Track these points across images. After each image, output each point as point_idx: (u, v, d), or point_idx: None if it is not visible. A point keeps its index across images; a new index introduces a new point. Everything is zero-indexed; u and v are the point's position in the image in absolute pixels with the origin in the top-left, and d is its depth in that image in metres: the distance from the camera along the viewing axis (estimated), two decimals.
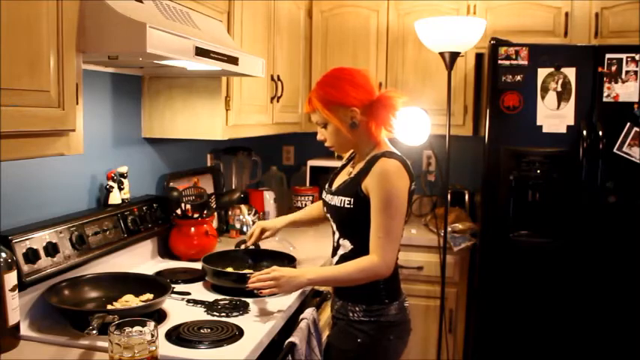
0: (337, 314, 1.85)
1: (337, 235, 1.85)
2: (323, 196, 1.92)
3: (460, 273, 3.02)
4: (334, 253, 1.88)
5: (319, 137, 1.83)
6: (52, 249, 1.65)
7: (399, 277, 1.84)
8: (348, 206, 1.75)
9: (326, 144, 1.83)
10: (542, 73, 2.72)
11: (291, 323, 1.81)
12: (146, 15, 1.49)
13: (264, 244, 2.29)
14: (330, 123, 1.77)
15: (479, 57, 3.15)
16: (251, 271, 2.01)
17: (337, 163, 2.08)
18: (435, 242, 2.92)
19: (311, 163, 3.36)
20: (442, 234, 2.91)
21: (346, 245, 1.81)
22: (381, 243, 1.68)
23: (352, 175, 1.80)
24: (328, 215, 1.88)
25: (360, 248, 1.75)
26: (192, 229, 2.34)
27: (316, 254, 2.36)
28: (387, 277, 1.73)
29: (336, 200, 1.80)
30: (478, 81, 3.19)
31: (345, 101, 1.75)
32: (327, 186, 1.93)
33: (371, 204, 1.70)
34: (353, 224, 1.78)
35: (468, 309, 3.03)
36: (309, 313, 1.85)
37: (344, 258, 1.81)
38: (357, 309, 1.78)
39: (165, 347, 1.45)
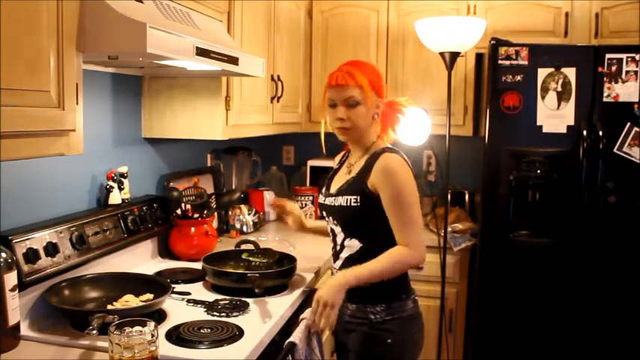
0: (353, 319, 1.80)
1: (341, 236, 1.82)
2: (321, 201, 1.90)
3: (460, 273, 3.02)
4: (336, 257, 1.86)
5: (340, 115, 1.75)
6: (52, 249, 1.65)
7: (408, 272, 1.84)
8: (355, 204, 1.74)
9: (343, 124, 1.76)
10: (543, 73, 2.72)
11: (291, 323, 1.81)
12: (146, 15, 1.49)
13: (264, 244, 2.29)
14: (364, 105, 1.75)
15: (479, 57, 3.15)
16: (251, 271, 2.01)
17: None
18: (435, 242, 2.92)
19: (311, 163, 3.36)
20: (442, 234, 2.91)
21: (353, 245, 1.79)
22: (405, 233, 1.69)
23: (354, 174, 1.79)
24: (330, 219, 1.85)
25: (369, 245, 1.75)
26: (192, 229, 2.34)
27: (316, 254, 2.36)
28: (401, 274, 1.75)
29: (340, 200, 1.78)
30: (478, 81, 3.18)
31: (381, 92, 1.80)
32: (324, 190, 1.91)
33: (383, 200, 1.71)
34: (361, 222, 1.77)
35: (468, 309, 3.03)
36: (309, 313, 1.84)
37: (350, 260, 1.79)
38: (378, 309, 1.76)
39: (165, 347, 1.45)
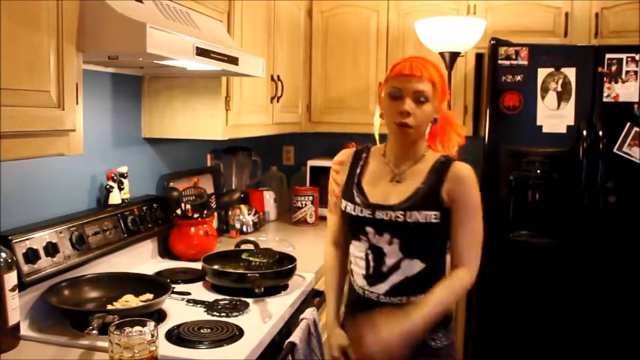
0: (410, 349, 1.43)
1: (396, 256, 1.55)
2: (359, 213, 1.58)
3: None
4: (379, 279, 1.57)
5: (407, 107, 1.50)
6: (52, 249, 1.65)
7: None
8: (436, 221, 1.51)
9: (408, 120, 1.51)
10: (542, 73, 2.72)
11: (291, 323, 1.81)
12: (146, 15, 1.49)
13: (264, 244, 2.29)
14: (431, 104, 1.54)
15: (479, 57, 3.15)
16: (251, 271, 2.01)
17: None
18: None
19: (311, 163, 3.36)
20: None
21: (413, 267, 1.55)
22: (472, 252, 1.53)
23: (421, 185, 1.55)
24: (379, 235, 1.55)
25: (433, 267, 1.56)
26: (192, 229, 2.34)
27: (316, 254, 2.36)
28: None
29: (417, 216, 1.51)
30: (478, 81, 3.18)
31: (444, 97, 1.61)
32: (356, 198, 1.60)
33: (458, 212, 1.52)
34: (434, 241, 1.56)
35: (468, 309, 3.03)
36: (309, 313, 1.85)
37: (403, 285, 1.55)
38: (439, 334, 1.58)
39: (165, 347, 1.45)
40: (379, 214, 1.55)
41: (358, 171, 1.66)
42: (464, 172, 1.55)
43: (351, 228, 1.64)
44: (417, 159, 1.61)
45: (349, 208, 1.62)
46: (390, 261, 1.56)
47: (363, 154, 1.69)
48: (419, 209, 1.51)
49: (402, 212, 1.52)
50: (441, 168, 1.56)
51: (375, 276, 1.59)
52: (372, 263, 1.58)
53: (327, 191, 1.78)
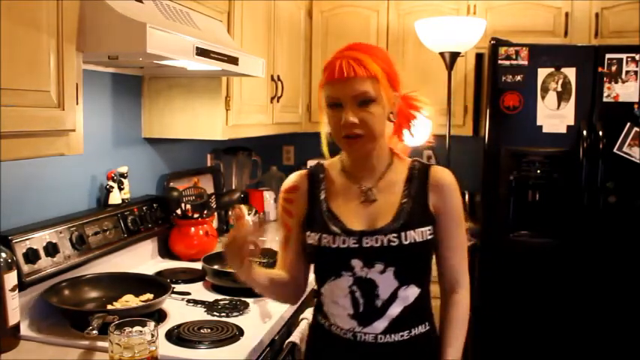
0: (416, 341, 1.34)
1: (392, 285, 1.30)
2: (342, 245, 1.30)
3: None
4: (375, 316, 1.30)
5: (352, 118, 1.25)
6: (52, 249, 1.65)
7: None
8: (430, 237, 1.32)
9: (355, 130, 1.26)
10: (542, 73, 2.71)
11: (291, 323, 1.81)
12: (146, 15, 1.49)
13: (264, 244, 2.29)
14: (379, 102, 1.28)
15: (479, 57, 3.15)
16: None
17: None
18: None
19: (311, 163, 3.33)
20: None
21: (410, 294, 1.32)
22: (465, 268, 1.40)
23: (407, 198, 1.33)
24: (379, 265, 1.29)
25: (425, 290, 1.37)
26: (192, 229, 2.34)
27: None
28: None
29: (414, 236, 1.29)
30: (478, 81, 3.18)
31: (397, 83, 1.35)
32: (336, 224, 1.32)
33: (445, 225, 1.35)
34: (428, 260, 1.37)
35: None
36: (309, 313, 1.84)
37: (402, 319, 1.31)
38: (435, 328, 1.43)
39: (165, 347, 1.45)
40: (367, 242, 1.29)
41: (323, 195, 1.37)
42: (446, 179, 1.37)
43: (331, 264, 1.33)
44: (384, 170, 1.37)
45: (325, 240, 1.31)
46: (384, 293, 1.29)
47: (319, 175, 1.41)
48: (414, 227, 1.30)
49: (396, 234, 1.28)
50: (419, 176, 1.36)
51: (368, 314, 1.30)
52: (361, 300, 1.30)
53: (283, 220, 1.45)
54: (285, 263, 1.44)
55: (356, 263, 1.29)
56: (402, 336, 1.31)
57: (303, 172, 1.45)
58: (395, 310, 1.30)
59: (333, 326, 1.34)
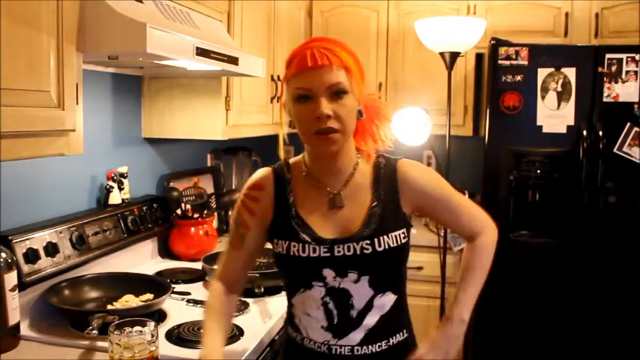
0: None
1: (368, 295, 1.23)
2: (313, 253, 1.22)
3: None
4: (351, 327, 1.24)
5: (324, 109, 1.16)
6: (52, 249, 1.65)
7: None
8: (405, 240, 1.26)
9: (331, 123, 1.17)
10: (542, 73, 2.72)
11: None
12: (146, 15, 1.49)
13: None
14: (352, 95, 1.20)
15: (479, 57, 3.15)
16: (251, 271, 2.01)
17: None
18: (435, 242, 2.92)
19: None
20: (442, 234, 2.91)
21: (387, 302, 1.25)
22: (476, 214, 1.42)
23: (377, 201, 1.26)
24: (353, 275, 1.22)
25: (402, 295, 1.30)
26: (192, 229, 2.34)
27: None
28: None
29: (387, 241, 1.22)
30: (478, 81, 3.18)
31: (363, 76, 1.27)
32: (306, 232, 1.24)
33: (432, 205, 1.32)
34: (403, 264, 1.30)
35: None
36: None
37: (378, 329, 1.25)
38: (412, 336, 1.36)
39: (165, 347, 1.45)
40: (340, 250, 1.21)
41: (291, 199, 1.28)
42: (413, 173, 1.29)
43: (301, 275, 1.26)
44: (351, 171, 1.28)
45: (294, 249, 1.23)
46: (359, 303, 1.23)
47: (286, 175, 1.32)
48: (387, 232, 1.22)
49: (369, 241, 1.21)
50: (386, 175, 1.28)
51: (343, 325, 1.23)
52: (334, 311, 1.23)
53: (242, 217, 1.32)
54: (233, 266, 1.36)
55: (328, 273, 1.22)
56: (379, 346, 1.25)
57: (269, 170, 1.35)
58: (371, 319, 1.24)
59: (306, 339, 1.27)
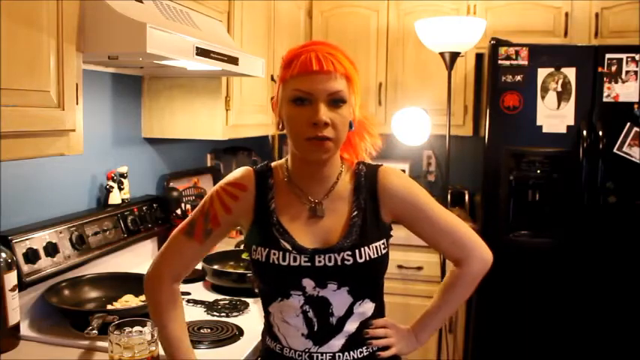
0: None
1: (347, 302, 1.21)
2: (293, 262, 1.18)
3: None
4: (331, 335, 1.22)
5: (323, 116, 1.12)
6: (52, 249, 1.65)
7: None
8: (385, 250, 1.24)
9: (326, 132, 1.14)
10: (542, 73, 2.72)
11: None
12: (146, 15, 1.49)
13: None
14: (349, 105, 1.18)
15: (479, 57, 3.15)
16: (251, 271, 2.01)
17: None
18: None
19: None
20: None
21: (366, 310, 1.24)
22: (467, 239, 1.33)
23: (357, 211, 1.23)
24: (332, 285, 1.19)
25: (380, 302, 1.29)
26: None
27: None
28: None
29: (368, 252, 1.20)
30: (478, 81, 3.18)
31: (359, 87, 1.23)
32: (287, 240, 1.20)
33: (414, 219, 1.28)
34: (382, 273, 1.27)
35: (468, 309, 3.03)
36: None
37: (357, 336, 1.23)
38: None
39: None
40: (320, 261, 1.18)
41: (273, 205, 1.24)
42: (394, 182, 1.26)
43: (280, 283, 1.22)
44: (335, 181, 1.25)
45: (274, 257, 1.19)
46: (339, 310, 1.21)
47: (268, 180, 1.28)
48: (368, 243, 1.20)
49: (350, 252, 1.19)
50: (367, 184, 1.25)
51: (323, 332, 1.21)
52: (314, 319, 1.21)
53: (214, 211, 1.27)
54: (186, 260, 1.32)
55: (307, 283, 1.19)
56: (360, 352, 1.24)
57: (250, 170, 1.31)
58: (351, 326, 1.22)
59: (286, 349, 1.23)
